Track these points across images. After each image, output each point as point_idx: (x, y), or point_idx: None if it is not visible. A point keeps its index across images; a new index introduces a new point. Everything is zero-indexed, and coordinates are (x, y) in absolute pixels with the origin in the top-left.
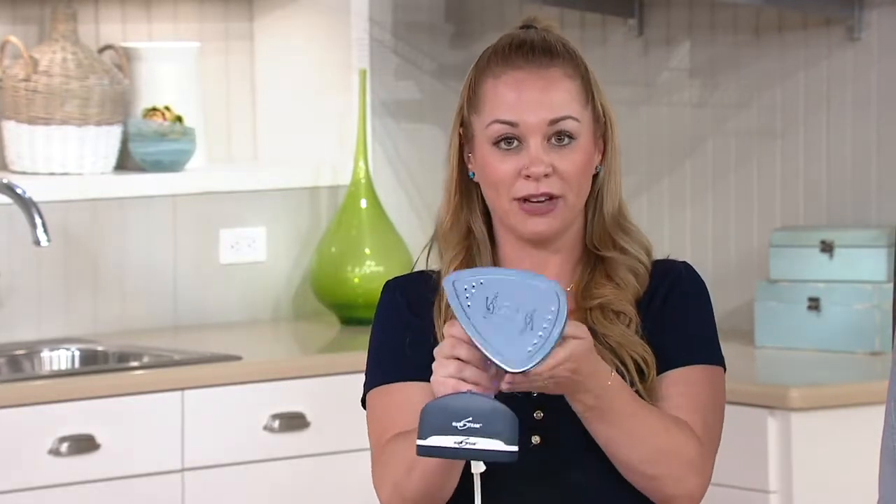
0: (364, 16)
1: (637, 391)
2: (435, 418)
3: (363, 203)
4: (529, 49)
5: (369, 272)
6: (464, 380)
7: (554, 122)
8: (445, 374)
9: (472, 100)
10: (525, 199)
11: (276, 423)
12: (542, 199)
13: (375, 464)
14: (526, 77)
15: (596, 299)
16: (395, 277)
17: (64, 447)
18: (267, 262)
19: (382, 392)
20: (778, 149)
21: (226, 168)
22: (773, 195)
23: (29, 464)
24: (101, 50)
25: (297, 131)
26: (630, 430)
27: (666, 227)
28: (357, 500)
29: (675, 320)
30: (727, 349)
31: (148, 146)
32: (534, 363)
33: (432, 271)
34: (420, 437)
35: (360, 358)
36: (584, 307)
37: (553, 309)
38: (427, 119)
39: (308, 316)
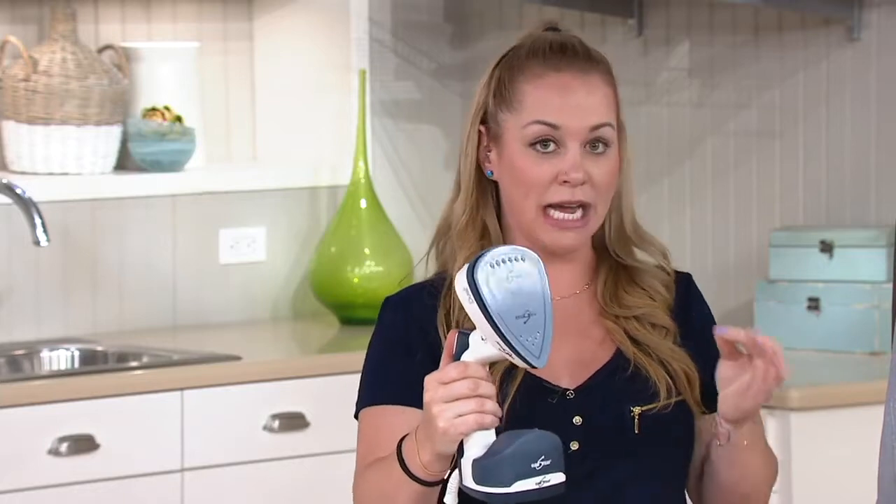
0: (363, 16)
1: (686, 402)
2: (517, 464)
3: (363, 203)
4: (572, 53)
5: (369, 272)
6: (485, 413)
7: (595, 128)
8: (467, 411)
9: (504, 97)
10: (555, 207)
11: (276, 423)
12: (575, 206)
13: (355, 483)
14: (570, 81)
15: (631, 309)
16: (395, 294)
17: (63, 447)
18: (266, 262)
19: (373, 413)
20: (777, 149)
21: (225, 168)
22: (772, 195)
23: (29, 464)
24: (101, 50)
25: (297, 131)
26: (763, 457)
27: (666, 227)
28: None
29: (709, 350)
30: None
31: (147, 146)
32: (546, 355)
33: (430, 281)
34: (503, 485)
35: (360, 358)
36: (614, 314)
37: (541, 292)
38: (426, 119)
39: (307, 316)
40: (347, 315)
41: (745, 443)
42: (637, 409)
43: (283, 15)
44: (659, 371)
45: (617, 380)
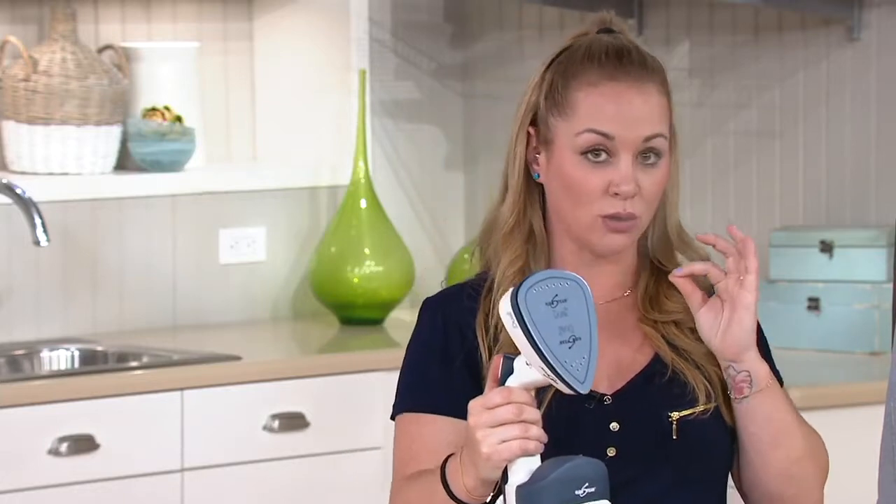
0: (363, 16)
1: (719, 408)
2: (560, 490)
3: (363, 203)
4: (629, 61)
5: (369, 272)
6: (529, 439)
7: (648, 139)
8: (510, 436)
9: (556, 102)
10: (610, 217)
11: (276, 423)
12: (626, 218)
13: (393, 493)
14: (625, 90)
15: (671, 314)
16: (435, 296)
17: (63, 447)
18: (266, 262)
19: (409, 420)
20: (777, 149)
21: (225, 168)
22: (772, 195)
23: (29, 464)
24: (101, 50)
25: (297, 131)
26: (796, 420)
27: None
28: (357, 500)
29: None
30: None
31: (147, 146)
32: (591, 380)
33: (470, 282)
34: None
35: (360, 358)
36: (653, 318)
37: (586, 316)
38: (426, 119)
39: (307, 316)
40: (347, 315)
41: (768, 384)
42: (675, 415)
43: (283, 15)
44: (697, 376)
45: (655, 385)
